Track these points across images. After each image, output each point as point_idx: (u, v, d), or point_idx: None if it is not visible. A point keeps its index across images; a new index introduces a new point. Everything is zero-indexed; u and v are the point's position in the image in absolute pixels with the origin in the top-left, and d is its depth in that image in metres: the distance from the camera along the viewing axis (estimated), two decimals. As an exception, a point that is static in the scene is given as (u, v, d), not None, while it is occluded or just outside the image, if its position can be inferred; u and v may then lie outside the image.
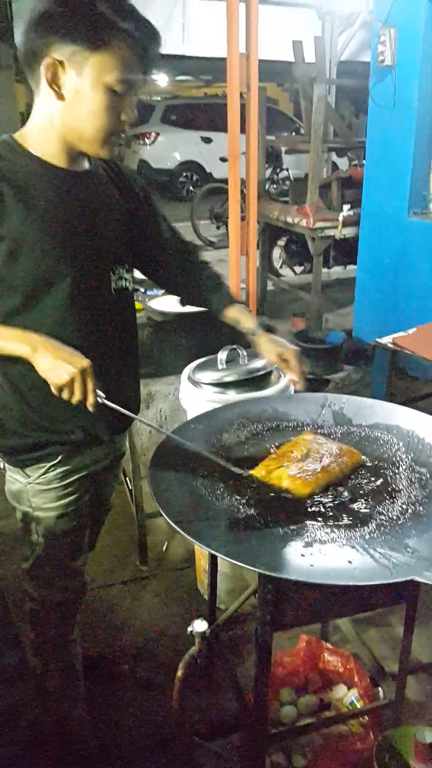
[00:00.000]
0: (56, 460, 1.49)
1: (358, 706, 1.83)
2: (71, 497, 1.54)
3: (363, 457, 1.52)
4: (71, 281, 1.36)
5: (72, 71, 1.24)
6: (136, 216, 1.56)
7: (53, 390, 1.28)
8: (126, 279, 1.51)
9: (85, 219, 1.39)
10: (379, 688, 1.84)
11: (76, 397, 1.28)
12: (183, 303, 1.82)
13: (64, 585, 1.63)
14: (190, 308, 2.70)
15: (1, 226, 1.27)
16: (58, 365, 1.26)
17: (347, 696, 1.88)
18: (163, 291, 3.03)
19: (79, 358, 1.27)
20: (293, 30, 6.07)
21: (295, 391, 1.76)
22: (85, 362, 1.28)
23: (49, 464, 1.49)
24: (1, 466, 1.53)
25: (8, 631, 2.28)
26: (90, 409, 1.31)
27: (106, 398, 1.33)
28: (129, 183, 1.57)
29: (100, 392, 1.31)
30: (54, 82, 1.25)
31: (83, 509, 1.60)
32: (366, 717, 1.80)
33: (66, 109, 1.28)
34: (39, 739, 1.83)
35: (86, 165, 1.43)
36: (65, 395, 1.28)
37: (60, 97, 1.27)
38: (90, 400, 1.30)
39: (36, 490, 1.50)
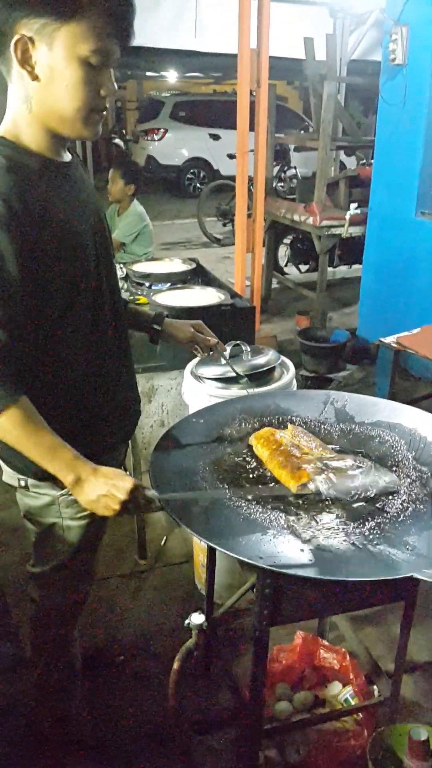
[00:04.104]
0: None
1: (353, 703, 1.83)
2: None
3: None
4: (83, 281, 1.32)
5: (43, 46, 1.15)
6: None
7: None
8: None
9: (82, 212, 1.35)
10: (375, 686, 1.84)
11: (133, 513, 1.29)
12: None
13: (78, 588, 1.62)
14: (194, 303, 2.71)
15: (23, 241, 1.18)
16: (106, 496, 1.24)
17: (342, 693, 1.88)
18: (168, 285, 3.04)
19: (122, 482, 1.25)
20: (305, 27, 6.04)
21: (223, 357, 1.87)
22: (129, 482, 1.25)
23: None
24: (23, 484, 1.48)
25: (6, 624, 2.28)
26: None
27: (159, 496, 1.31)
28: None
29: (153, 493, 1.29)
30: (25, 62, 1.16)
31: None
32: (360, 714, 1.80)
33: (42, 90, 1.19)
34: (36, 734, 1.83)
35: (68, 156, 1.36)
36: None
37: (34, 77, 1.18)
38: (146, 510, 1.29)
39: (70, 500, 1.46)
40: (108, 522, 1.66)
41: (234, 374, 2.04)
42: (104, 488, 1.24)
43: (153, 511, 1.31)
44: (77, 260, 1.30)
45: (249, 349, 2.18)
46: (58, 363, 1.34)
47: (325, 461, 1.41)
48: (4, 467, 1.49)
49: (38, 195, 1.22)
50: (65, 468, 1.26)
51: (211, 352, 1.80)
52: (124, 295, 2.87)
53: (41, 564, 1.58)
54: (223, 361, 1.98)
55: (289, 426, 1.59)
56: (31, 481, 1.46)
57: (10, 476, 1.49)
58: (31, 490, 1.48)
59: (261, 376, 2.17)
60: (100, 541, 1.64)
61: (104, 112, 1.26)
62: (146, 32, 6.15)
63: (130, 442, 2.49)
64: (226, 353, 1.85)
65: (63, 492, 1.45)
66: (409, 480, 1.43)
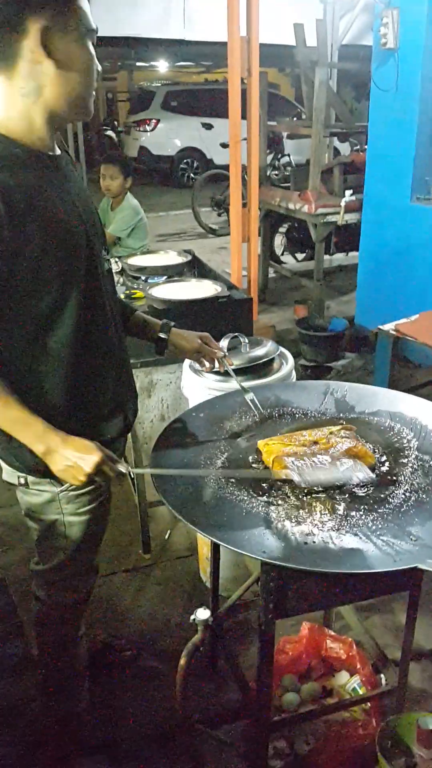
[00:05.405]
0: None
1: (361, 692, 1.83)
2: (101, 498, 1.53)
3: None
4: (83, 273, 1.32)
5: (58, 32, 1.18)
6: None
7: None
8: (107, 260, 1.48)
9: (77, 203, 1.35)
10: (382, 675, 1.84)
11: (103, 483, 1.32)
12: None
13: (82, 584, 1.63)
14: (191, 296, 2.70)
15: (17, 239, 1.20)
16: (73, 467, 1.28)
17: (349, 683, 1.88)
18: (164, 278, 3.03)
19: (89, 455, 1.28)
20: (294, 13, 5.99)
21: (225, 371, 1.79)
22: (96, 456, 1.28)
23: None
24: (22, 482, 1.47)
25: (12, 623, 2.28)
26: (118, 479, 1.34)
27: (131, 467, 1.39)
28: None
29: (121, 467, 1.33)
30: (49, 51, 1.18)
31: (107, 508, 1.60)
32: (368, 704, 1.81)
33: (60, 77, 1.21)
34: (40, 734, 1.83)
35: (57, 150, 1.35)
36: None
37: (57, 65, 1.20)
38: (115, 481, 1.33)
39: (70, 496, 1.48)
40: (111, 517, 1.66)
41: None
42: (71, 459, 1.27)
43: (121, 483, 1.34)
44: (70, 253, 1.29)
45: (247, 341, 2.17)
46: (55, 360, 1.33)
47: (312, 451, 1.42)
48: (3, 465, 1.48)
49: (25, 187, 1.21)
50: (36, 438, 1.28)
51: (216, 365, 1.77)
52: (120, 288, 2.86)
53: (44, 562, 1.58)
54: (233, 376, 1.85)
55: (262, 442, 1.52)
56: (30, 479, 1.46)
57: (10, 474, 1.48)
58: (31, 488, 1.48)
59: (260, 368, 2.16)
60: (101, 537, 1.64)
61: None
62: (136, 23, 6.10)
63: (130, 435, 2.50)
64: (232, 368, 1.79)
65: (63, 488, 1.45)
66: (411, 469, 1.43)
